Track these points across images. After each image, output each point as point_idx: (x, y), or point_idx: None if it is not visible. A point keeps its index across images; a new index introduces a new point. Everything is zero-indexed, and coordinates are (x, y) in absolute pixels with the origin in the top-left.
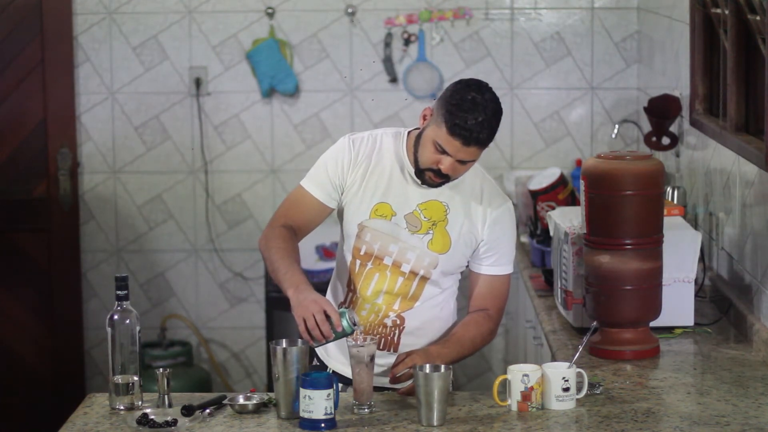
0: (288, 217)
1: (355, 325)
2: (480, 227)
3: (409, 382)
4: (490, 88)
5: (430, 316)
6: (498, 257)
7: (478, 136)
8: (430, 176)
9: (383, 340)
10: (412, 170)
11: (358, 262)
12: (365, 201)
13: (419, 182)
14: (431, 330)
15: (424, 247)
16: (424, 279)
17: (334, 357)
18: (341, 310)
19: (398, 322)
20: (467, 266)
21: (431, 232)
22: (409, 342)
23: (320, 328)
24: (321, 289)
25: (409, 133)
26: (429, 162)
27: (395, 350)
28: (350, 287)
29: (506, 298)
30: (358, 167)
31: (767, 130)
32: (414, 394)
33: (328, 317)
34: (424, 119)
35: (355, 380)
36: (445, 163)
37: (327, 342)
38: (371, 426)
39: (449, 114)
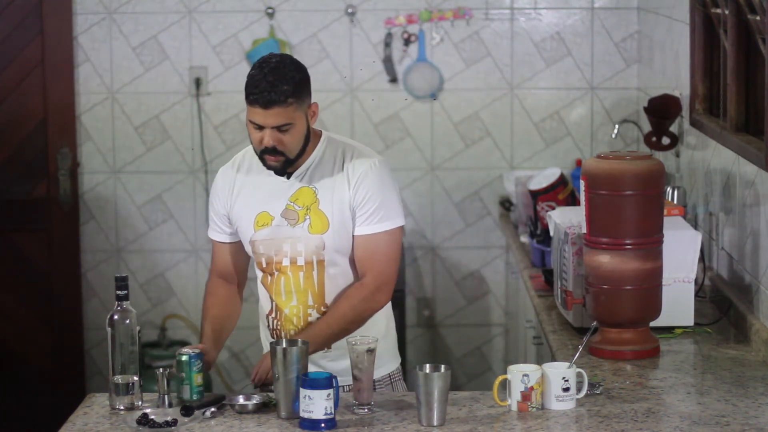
0: (215, 265)
1: (185, 355)
2: (347, 192)
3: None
4: (280, 54)
5: None
6: (369, 215)
7: (269, 96)
8: (269, 159)
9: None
10: (271, 171)
11: (267, 275)
12: (246, 218)
13: (285, 177)
14: None
15: (307, 234)
16: (321, 263)
17: (331, 370)
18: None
19: None
20: None
21: (308, 217)
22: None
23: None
24: None
25: None
26: (257, 145)
27: (328, 348)
28: (272, 297)
29: (388, 257)
30: (228, 193)
31: (767, 130)
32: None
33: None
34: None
35: (354, 380)
36: (266, 137)
37: (184, 383)
38: (371, 426)
39: (246, 89)
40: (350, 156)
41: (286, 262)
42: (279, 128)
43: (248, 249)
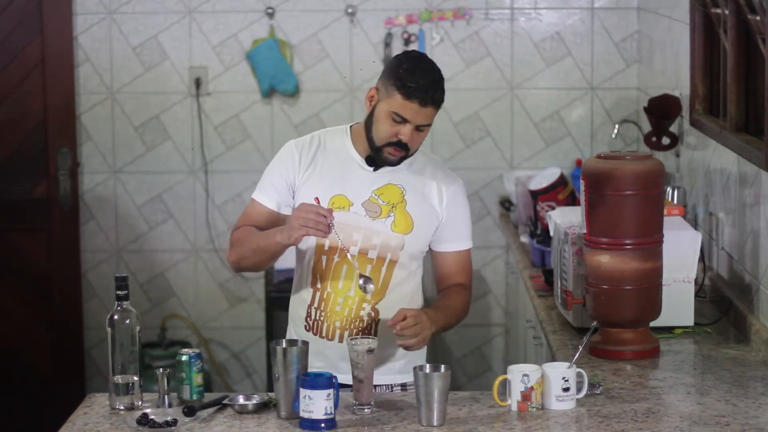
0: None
1: (185, 355)
2: (438, 205)
3: (412, 337)
4: (422, 53)
5: (402, 307)
6: (458, 233)
7: (433, 95)
8: (389, 152)
9: (360, 335)
10: (361, 160)
11: (324, 258)
12: (320, 196)
13: (371, 169)
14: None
15: (389, 231)
16: (393, 263)
17: (335, 367)
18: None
19: (373, 315)
20: (429, 251)
21: (392, 214)
22: (386, 334)
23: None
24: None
25: (351, 127)
26: (387, 136)
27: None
28: (316, 286)
29: (471, 274)
30: (305, 167)
31: (767, 130)
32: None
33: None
34: (371, 100)
35: (355, 380)
36: (405, 132)
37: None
38: (371, 426)
39: (400, 80)
40: (439, 172)
41: (354, 251)
42: (418, 127)
43: None
